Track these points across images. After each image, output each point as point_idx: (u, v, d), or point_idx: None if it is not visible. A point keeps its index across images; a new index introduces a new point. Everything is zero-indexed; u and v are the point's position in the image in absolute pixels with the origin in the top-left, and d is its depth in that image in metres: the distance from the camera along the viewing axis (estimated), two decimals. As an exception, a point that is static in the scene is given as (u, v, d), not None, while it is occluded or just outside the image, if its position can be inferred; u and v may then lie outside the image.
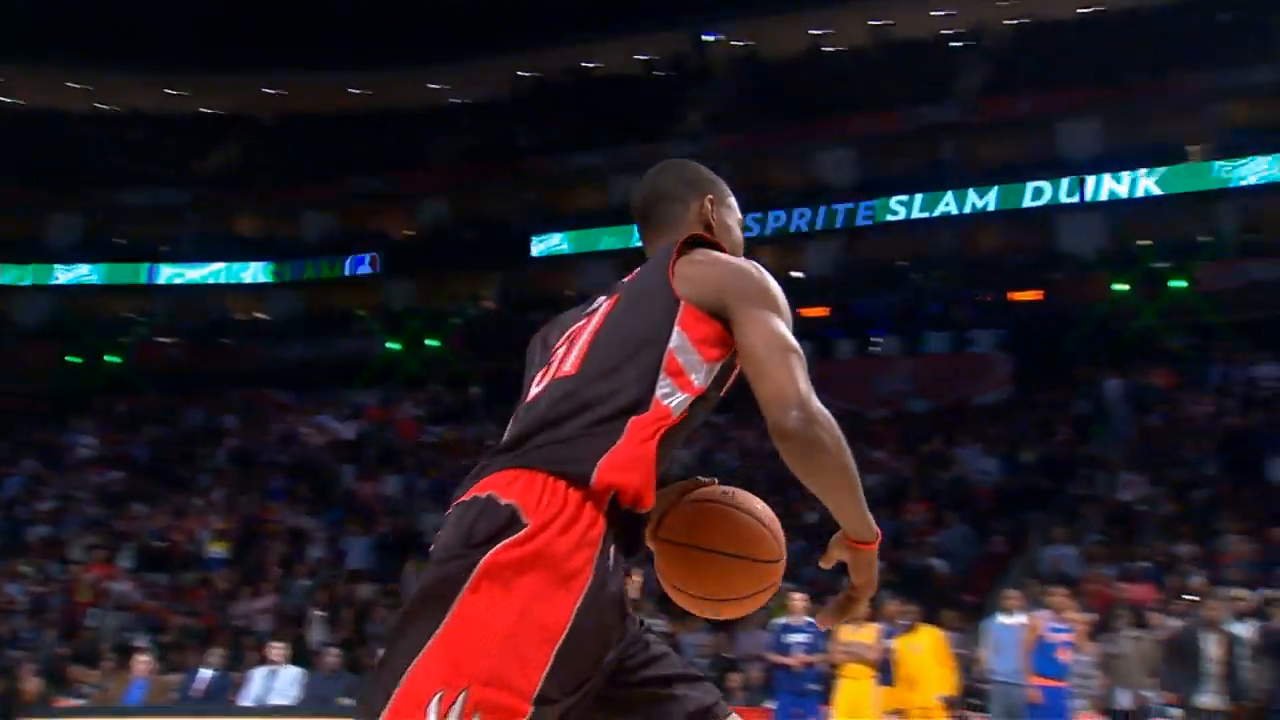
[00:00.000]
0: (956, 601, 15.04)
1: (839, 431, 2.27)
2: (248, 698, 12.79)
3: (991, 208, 27.68)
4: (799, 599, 12.51)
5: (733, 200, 2.66)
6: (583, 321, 2.42)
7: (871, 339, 27.25)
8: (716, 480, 2.57)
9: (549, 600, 2.10)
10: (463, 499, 2.23)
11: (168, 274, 33.54)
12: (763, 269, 2.37)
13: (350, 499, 22.34)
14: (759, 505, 2.54)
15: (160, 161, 34.29)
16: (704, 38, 34.01)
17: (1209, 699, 10.80)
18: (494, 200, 32.86)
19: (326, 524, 21.05)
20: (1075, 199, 26.90)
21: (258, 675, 13.01)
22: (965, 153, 29.08)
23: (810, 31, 32.64)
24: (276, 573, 18.75)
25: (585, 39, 34.48)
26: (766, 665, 12.98)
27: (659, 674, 2.34)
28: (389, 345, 30.89)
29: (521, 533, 2.11)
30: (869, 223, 28.52)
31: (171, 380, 30.17)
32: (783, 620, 12.61)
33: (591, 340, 2.34)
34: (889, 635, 11.99)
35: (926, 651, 11.65)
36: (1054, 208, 27.16)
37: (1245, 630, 11.26)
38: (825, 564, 2.47)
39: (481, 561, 2.09)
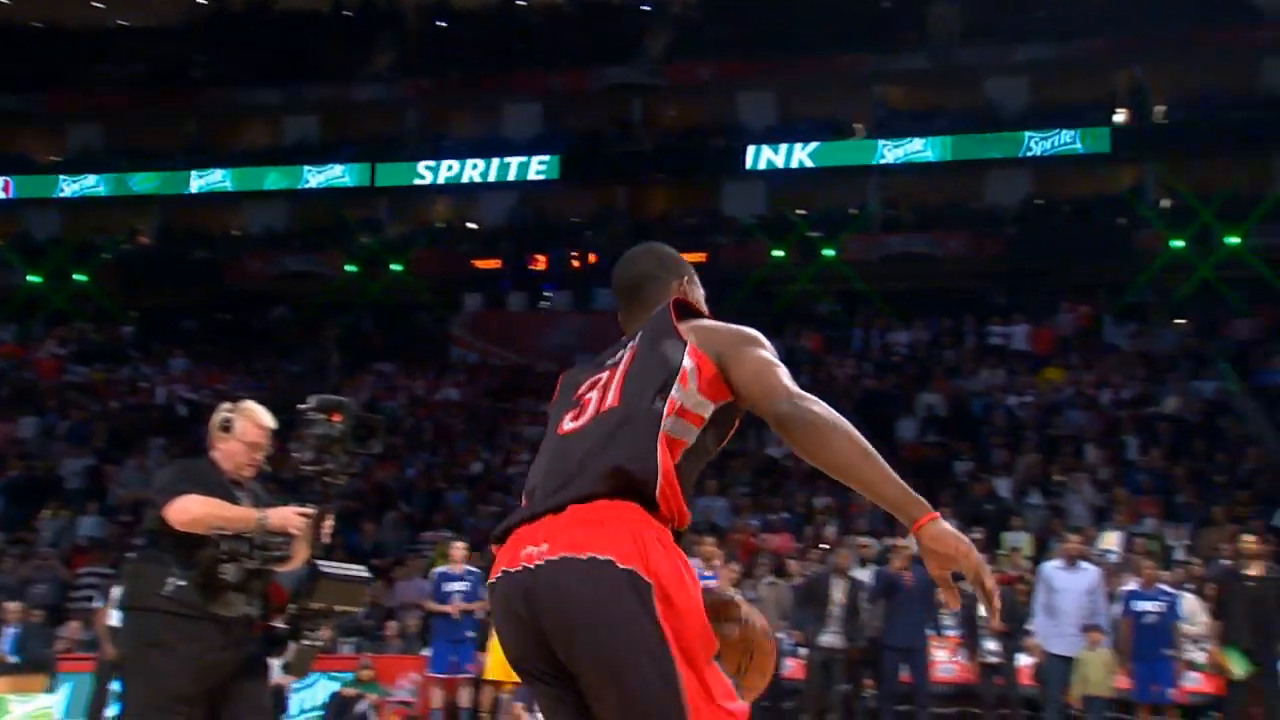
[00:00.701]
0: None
1: (836, 414, 2.64)
2: None
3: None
4: (459, 548, 12.56)
5: (696, 279, 3.08)
6: (605, 372, 2.77)
7: (543, 293, 27.57)
8: (742, 602, 2.89)
9: (701, 630, 2.56)
10: (571, 554, 2.51)
11: None
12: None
13: (-23, 441, 20.59)
14: (768, 674, 2.91)
15: None
16: (396, -21, 33.10)
17: (830, 638, 11.69)
18: (156, 131, 30.85)
19: (-53, 467, 19.32)
20: (739, 167, 28.09)
21: None
22: (649, 115, 29.75)
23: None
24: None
25: (269, -31, 32.86)
26: (424, 613, 12.99)
27: None
28: (29, 278, 28.53)
29: (656, 592, 2.50)
30: (544, 178, 28.72)
31: None
32: (442, 569, 12.65)
33: (623, 380, 2.70)
34: (545, 582, 12.24)
35: (580, 597, 11.97)
36: (721, 173, 28.28)
37: (866, 575, 12.24)
38: (950, 600, 2.67)
39: (660, 628, 2.48)
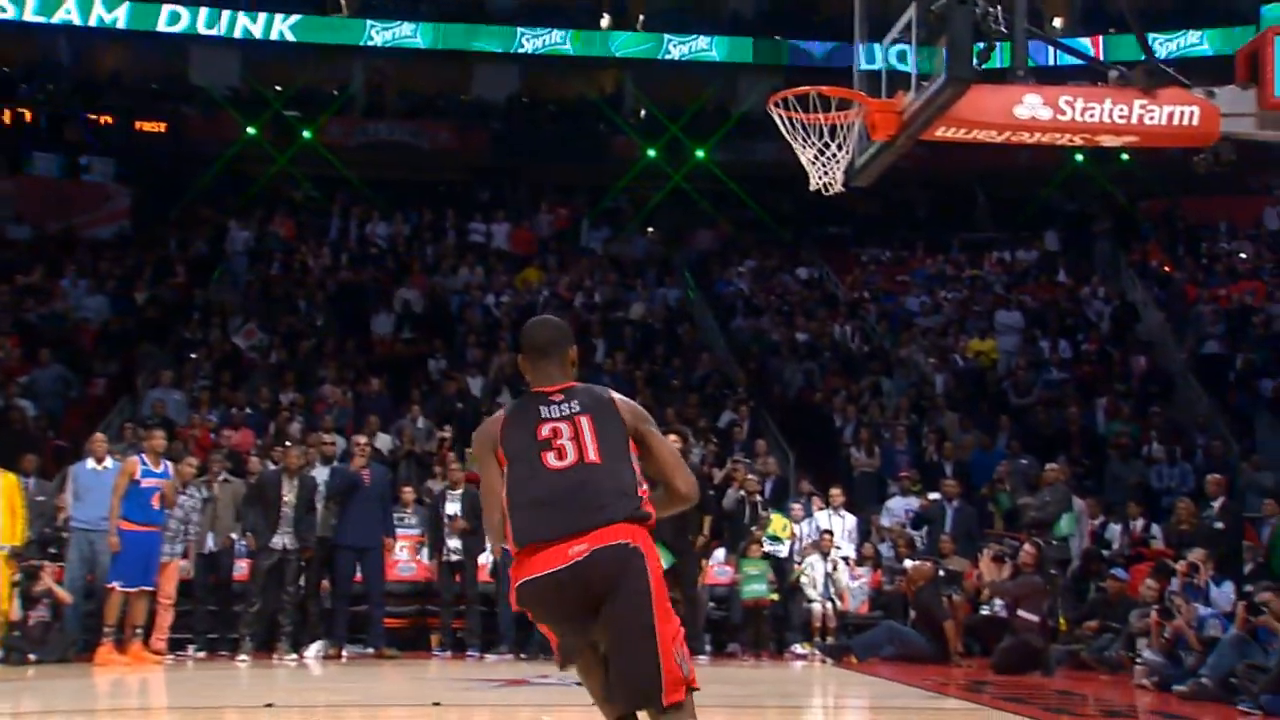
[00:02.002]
0: (44, 446, 14.47)
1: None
2: None
3: (121, 25, 26.31)
4: None
5: None
6: (563, 424, 4.17)
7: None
8: None
9: (660, 579, 4.17)
10: (602, 545, 4.02)
11: None
12: None
13: None
14: None
15: None
16: None
17: (282, 539, 11.64)
18: None
19: None
20: (214, 31, 26.57)
21: None
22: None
23: None
24: None
25: None
26: None
27: None
28: None
29: (649, 565, 4.10)
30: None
31: None
32: None
33: (597, 441, 4.14)
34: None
35: (-3, 499, 11.08)
36: (189, 37, 26.59)
37: (324, 474, 12.27)
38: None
39: (650, 575, 4.08)
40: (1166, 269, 22.76)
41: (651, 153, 26.32)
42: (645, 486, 4.18)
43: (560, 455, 4.09)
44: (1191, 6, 26.42)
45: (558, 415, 4.17)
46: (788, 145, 8.47)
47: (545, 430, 4.13)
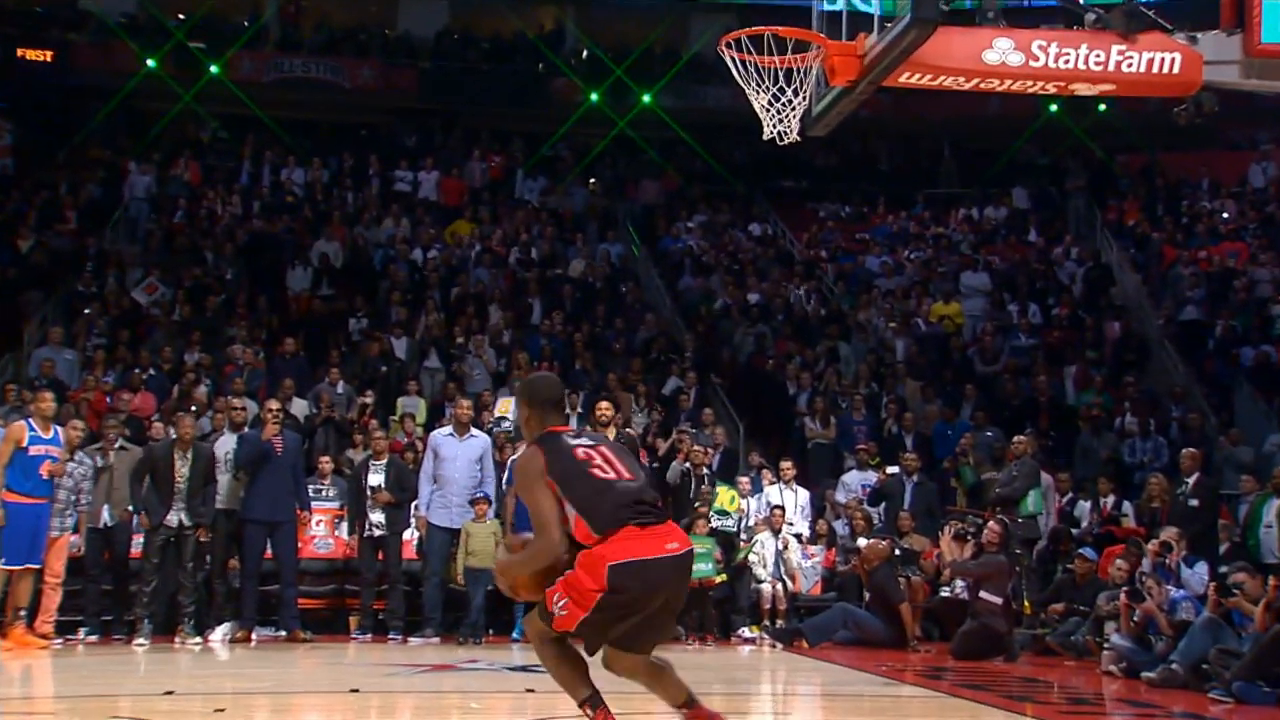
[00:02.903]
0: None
1: None
2: None
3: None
4: None
5: None
6: (589, 449, 5.33)
7: None
8: None
9: None
10: (689, 549, 5.31)
11: None
12: None
13: None
14: None
15: None
16: None
17: (176, 515, 11.51)
18: None
19: None
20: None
21: None
22: None
23: None
24: None
25: None
26: None
27: None
28: None
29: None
30: None
31: None
32: None
33: (623, 463, 5.32)
34: None
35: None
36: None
37: (230, 443, 12.16)
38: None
39: None
40: (1144, 228, 23.03)
41: (594, 97, 26.18)
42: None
43: (603, 470, 5.25)
44: (1175, -54, 26.64)
45: (583, 443, 5.37)
46: (741, 91, 8.47)
47: (580, 453, 5.29)
